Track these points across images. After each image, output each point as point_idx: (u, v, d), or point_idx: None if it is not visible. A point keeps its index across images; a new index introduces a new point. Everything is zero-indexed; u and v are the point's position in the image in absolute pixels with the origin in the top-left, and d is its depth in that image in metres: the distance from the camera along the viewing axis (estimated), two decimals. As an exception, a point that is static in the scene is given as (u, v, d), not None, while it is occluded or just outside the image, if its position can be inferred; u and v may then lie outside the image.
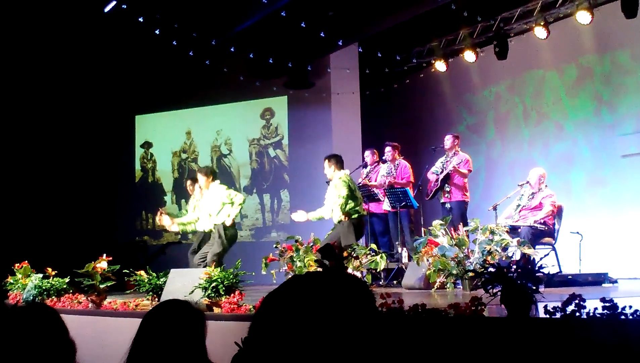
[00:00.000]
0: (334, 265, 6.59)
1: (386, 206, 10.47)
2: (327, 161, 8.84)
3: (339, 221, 8.63)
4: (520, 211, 9.16)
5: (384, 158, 10.84)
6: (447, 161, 10.21)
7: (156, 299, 6.88)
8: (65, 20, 12.38)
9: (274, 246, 9.75)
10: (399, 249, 10.04)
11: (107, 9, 11.07)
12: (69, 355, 2.54)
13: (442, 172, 10.16)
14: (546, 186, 9.22)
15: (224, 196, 8.85)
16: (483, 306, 4.34)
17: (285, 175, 13.67)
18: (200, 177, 9.05)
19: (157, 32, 11.01)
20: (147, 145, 14.94)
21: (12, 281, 8.50)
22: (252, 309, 5.73)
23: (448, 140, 10.34)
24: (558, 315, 3.77)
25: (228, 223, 8.77)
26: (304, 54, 12.55)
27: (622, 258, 9.73)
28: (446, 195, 10.09)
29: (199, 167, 9.61)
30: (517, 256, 7.69)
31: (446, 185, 10.08)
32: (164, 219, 9.57)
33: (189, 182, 10.50)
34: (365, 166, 11.16)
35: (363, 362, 1.46)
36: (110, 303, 7.11)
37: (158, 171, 14.83)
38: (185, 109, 14.53)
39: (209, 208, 8.91)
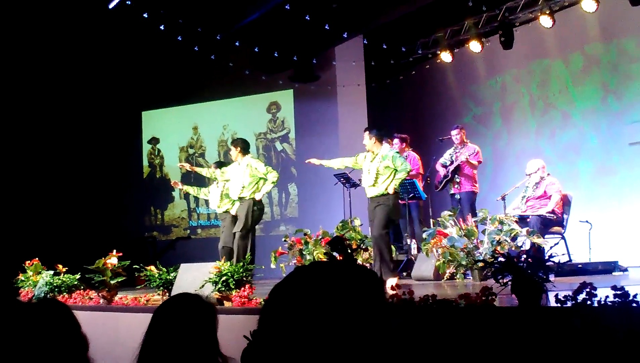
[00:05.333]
0: (343, 257, 6.55)
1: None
2: (368, 132, 7.90)
3: (385, 194, 7.73)
4: (526, 201, 9.16)
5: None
6: (455, 153, 10.18)
7: (167, 294, 6.91)
8: (70, 17, 12.40)
9: (283, 239, 9.79)
10: (408, 240, 10.02)
11: (111, 5, 11.08)
12: (81, 351, 2.55)
13: (451, 164, 10.12)
14: (548, 174, 9.20)
15: (259, 171, 8.96)
16: (494, 296, 4.35)
17: (293, 169, 13.67)
18: (232, 149, 9.21)
19: (161, 27, 11.02)
20: (154, 141, 14.98)
21: (23, 278, 8.55)
22: (262, 302, 5.74)
23: (456, 134, 10.29)
24: (569, 304, 3.76)
25: (258, 197, 8.87)
26: (309, 47, 12.53)
27: (632, 246, 9.69)
28: (456, 186, 10.07)
29: (234, 139, 9.95)
30: (526, 246, 7.68)
31: (456, 176, 10.05)
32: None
33: (212, 166, 10.35)
34: None
35: (373, 353, 1.45)
36: (121, 298, 7.15)
37: (165, 166, 14.86)
38: (191, 105, 14.55)
39: (242, 179, 8.94)
